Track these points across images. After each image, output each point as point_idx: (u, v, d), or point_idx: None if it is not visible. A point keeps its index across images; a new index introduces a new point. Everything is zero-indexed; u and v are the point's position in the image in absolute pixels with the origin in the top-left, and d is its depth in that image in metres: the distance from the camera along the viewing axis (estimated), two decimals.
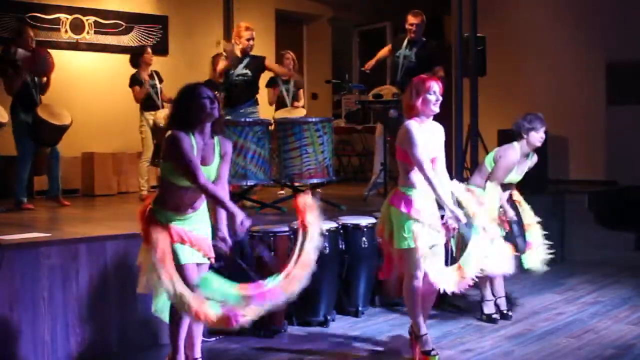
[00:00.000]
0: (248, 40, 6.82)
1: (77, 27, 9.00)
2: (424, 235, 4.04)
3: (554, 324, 5.05)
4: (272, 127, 6.47)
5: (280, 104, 8.09)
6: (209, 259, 3.79)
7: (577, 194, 7.88)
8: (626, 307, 5.52)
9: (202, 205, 3.77)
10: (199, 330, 3.89)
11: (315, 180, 6.29)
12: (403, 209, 4.04)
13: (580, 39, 9.11)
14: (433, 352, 4.17)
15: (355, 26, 11.94)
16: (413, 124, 4.07)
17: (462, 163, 7.72)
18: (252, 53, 6.89)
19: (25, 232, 4.65)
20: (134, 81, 7.61)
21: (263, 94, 7.63)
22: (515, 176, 5.13)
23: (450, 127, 7.72)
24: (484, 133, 8.03)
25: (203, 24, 9.55)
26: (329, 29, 11.75)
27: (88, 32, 9.09)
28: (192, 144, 3.57)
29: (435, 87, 4.09)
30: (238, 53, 6.80)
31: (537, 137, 4.95)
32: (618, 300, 5.74)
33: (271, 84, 8.12)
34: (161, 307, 3.83)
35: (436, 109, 4.12)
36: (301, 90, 8.24)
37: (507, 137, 8.13)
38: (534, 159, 5.22)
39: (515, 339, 4.67)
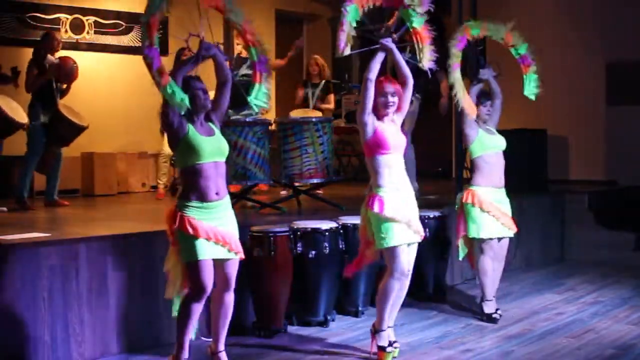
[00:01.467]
0: None
1: (77, 27, 9.00)
2: (400, 234, 4.10)
3: (554, 324, 5.05)
4: (272, 127, 6.47)
5: (304, 105, 8.05)
6: (236, 254, 3.87)
7: (577, 194, 7.89)
8: (626, 307, 5.52)
9: (226, 196, 3.87)
10: (225, 323, 3.97)
11: (315, 180, 6.30)
12: (376, 210, 4.10)
13: (580, 39, 9.12)
14: (389, 349, 4.22)
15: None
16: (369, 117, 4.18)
17: (462, 163, 7.73)
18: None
19: (25, 232, 4.64)
20: None
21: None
22: (495, 144, 5.16)
23: (450, 127, 7.77)
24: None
25: (203, 24, 9.53)
26: (329, 29, 11.75)
27: (88, 32, 9.09)
28: (187, 126, 3.76)
29: (389, 89, 4.17)
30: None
31: (484, 110, 5.18)
32: (618, 300, 5.75)
33: (301, 85, 8.10)
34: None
35: (388, 111, 4.19)
36: (331, 95, 8.14)
37: (507, 137, 8.21)
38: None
39: (515, 339, 4.67)
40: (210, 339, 4.44)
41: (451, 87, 5.05)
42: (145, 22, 3.71)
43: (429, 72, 4.45)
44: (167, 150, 7.64)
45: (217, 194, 3.80)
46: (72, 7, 8.97)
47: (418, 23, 4.42)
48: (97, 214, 6.80)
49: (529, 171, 8.03)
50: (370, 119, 4.16)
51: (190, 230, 3.72)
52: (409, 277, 4.28)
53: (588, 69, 9.07)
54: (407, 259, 4.18)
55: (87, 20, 9.07)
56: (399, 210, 4.11)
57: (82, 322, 4.23)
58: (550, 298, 5.85)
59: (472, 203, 5.05)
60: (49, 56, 6.88)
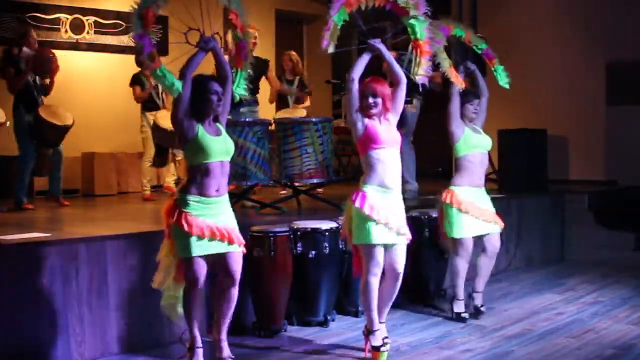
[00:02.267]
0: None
1: (77, 27, 9.01)
2: (378, 234, 4.13)
3: (554, 324, 5.05)
4: (272, 127, 6.47)
5: (282, 103, 8.06)
6: (239, 245, 3.95)
7: (577, 194, 7.89)
8: (626, 307, 5.52)
9: (226, 195, 3.95)
10: (227, 314, 4.04)
11: (315, 180, 6.29)
12: (357, 205, 4.15)
13: (580, 39, 9.12)
14: (382, 348, 4.23)
15: (355, 26, 11.93)
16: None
17: None
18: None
19: (25, 232, 4.64)
20: (136, 80, 7.58)
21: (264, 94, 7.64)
22: (481, 144, 5.15)
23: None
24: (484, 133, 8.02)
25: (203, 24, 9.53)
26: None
27: (88, 32, 9.10)
28: (197, 127, 3.84)
29: (370, 90, 4.21)
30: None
31: (471, 109, 5.17)
32: (618, 300, 5.74)
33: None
34: (168, 305, 4.01)
35: (373, 112, 4.23)
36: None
37: (507, 137, 8.22)
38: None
39: (515, 339, 4.67)
40: (209, 339, 4.47)
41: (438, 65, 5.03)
42: (138, 13, 3.79)
43: (420, 86, 4.52)
44: (150, 153, 7.60)
45: (217, 190, 3.88)
46: (72, 7, 8.97)
47: (421, 36, 4.51)
48: (97, 214, 6.79)
49: (529, 171, 8.03)
50: (359, 117, 4.22)
51: (185, 227, 3.79)
52: (400, 278, 4.32)
53: (588, 69, 9.07)
54: (382, 259, 4.20)
55: (87, 20, 9.07)
56: (378, 210, 4.13)
57: (82, 322, 4.23)
58: (550, 298, 5.85)
59: (450, 203, 5.02)
60: (24, 49, 6.78)
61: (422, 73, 4.53)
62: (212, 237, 3.84)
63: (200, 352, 4.00)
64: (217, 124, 4.00)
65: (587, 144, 9.11)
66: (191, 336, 4.01)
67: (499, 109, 9.16)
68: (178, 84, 3.81)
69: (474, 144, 5.11)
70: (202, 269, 3.88)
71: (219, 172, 3.88)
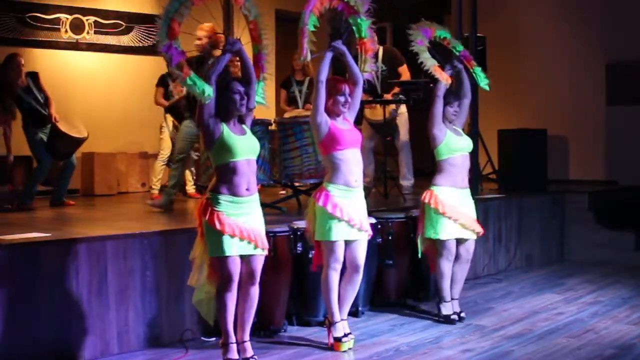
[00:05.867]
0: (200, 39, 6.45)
1: (77, 27, 9.01)
2: (340, 231, 4.32)
3: (554, 324, 5.05)
4: (272, 127, 6.47)
5: (292, 104, 8.01)
6: (262, 249, 4.03)
7: (577, 194, 7.88)
8: (626, 307, 5.53)
9: (256, 194, 4.02)
10: (250, 315, 4.09)
11: (315, 180, 6.29)
12: (320, 203, 4.34)
13: (580, 39, 9.12)
14: (344, 339, 4.39)
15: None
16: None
17: None
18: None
19: (25, 232, 4.64)
20: (161, 82, 7.54)
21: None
22: (462, 147, 5.12)
23: None
24: (484, 133, 8.03)
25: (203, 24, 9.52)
26: (328, 29, 11.73)
27: (88, 32, 9.09)
28: (222, 127, 3.92)
29: (346, 89, 4.43)
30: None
31: (451, 110, 5.16)
32: (618, 300, 5.75)
33: (285, 84, 8.07)
34: (200, 301, 4.06)
35: (344, 109, 4.45)
36: None
37: (507, 137, 8.22)
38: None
39: (515, 339, 4.67)
40: (211, 339, 4.48)
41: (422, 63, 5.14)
42: (163, 25, 3.80)
43: (365, 82, 4.65)
44: (165, 152, 7.60)
45: (247, 189, 3.94)
46: (72, 7, 8.97)
47: (365, 34, 4.76)
48: (97, 214, 6.79)
49: (529, 171, 8.03)
50: (323, 119, 4.37)
51: (218, 226, 3.84)
52: (360, 272, 4.49)
53: (588, 69, 9.07)
54: (342, 255, 4.39)
55: (87, 20, 9.07)
56: (341, 209, 4.32)
57: (82, 322, 4.23)
58: (550, 298, 5.85)
59: (429, 204, 5.01)
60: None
61: (367, 70, 4.73)
62: (242, 239, 3.91)
63: (234, 347, 4.01)
64: (243, 125, 4.06)
65: (587, 144, 9.11)
66: (225, 333, 4.01)
67: (499, 109, 9.19)
68: (209, 90, 3.85)
69: (455, 147, 5.06)
70: (236, 267, 3.92)
71: (246, 170, 3.93)
